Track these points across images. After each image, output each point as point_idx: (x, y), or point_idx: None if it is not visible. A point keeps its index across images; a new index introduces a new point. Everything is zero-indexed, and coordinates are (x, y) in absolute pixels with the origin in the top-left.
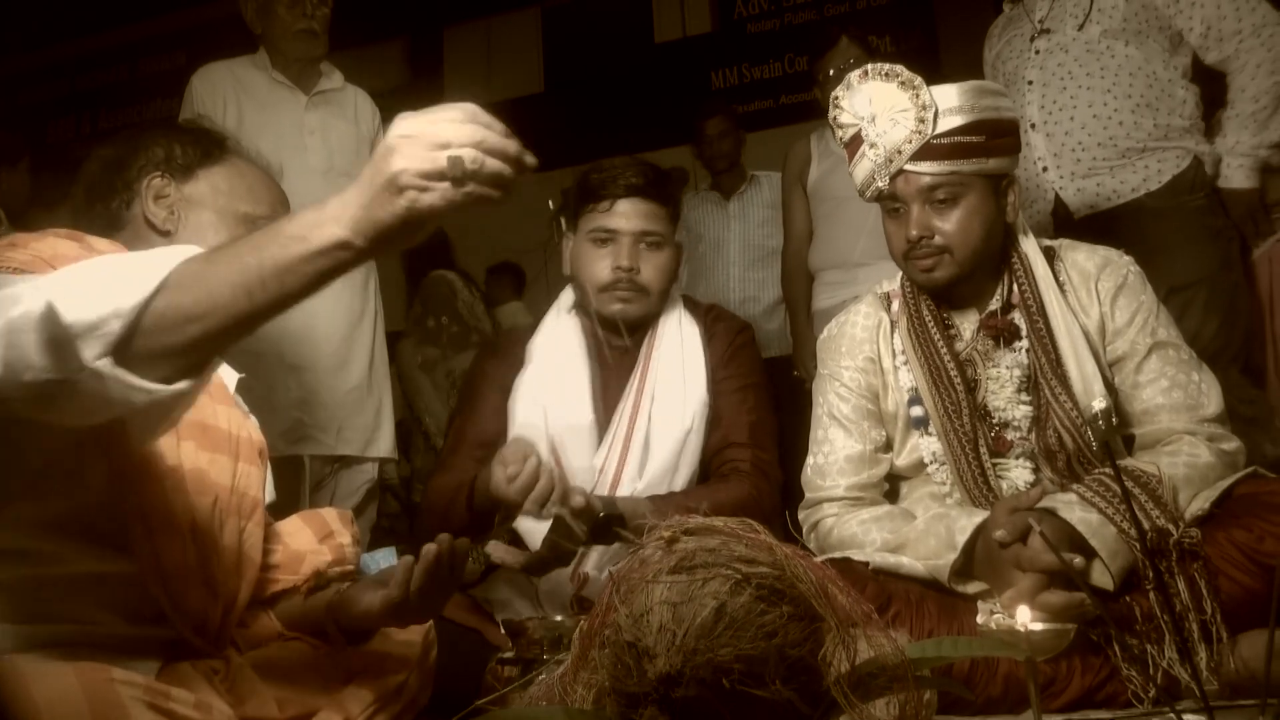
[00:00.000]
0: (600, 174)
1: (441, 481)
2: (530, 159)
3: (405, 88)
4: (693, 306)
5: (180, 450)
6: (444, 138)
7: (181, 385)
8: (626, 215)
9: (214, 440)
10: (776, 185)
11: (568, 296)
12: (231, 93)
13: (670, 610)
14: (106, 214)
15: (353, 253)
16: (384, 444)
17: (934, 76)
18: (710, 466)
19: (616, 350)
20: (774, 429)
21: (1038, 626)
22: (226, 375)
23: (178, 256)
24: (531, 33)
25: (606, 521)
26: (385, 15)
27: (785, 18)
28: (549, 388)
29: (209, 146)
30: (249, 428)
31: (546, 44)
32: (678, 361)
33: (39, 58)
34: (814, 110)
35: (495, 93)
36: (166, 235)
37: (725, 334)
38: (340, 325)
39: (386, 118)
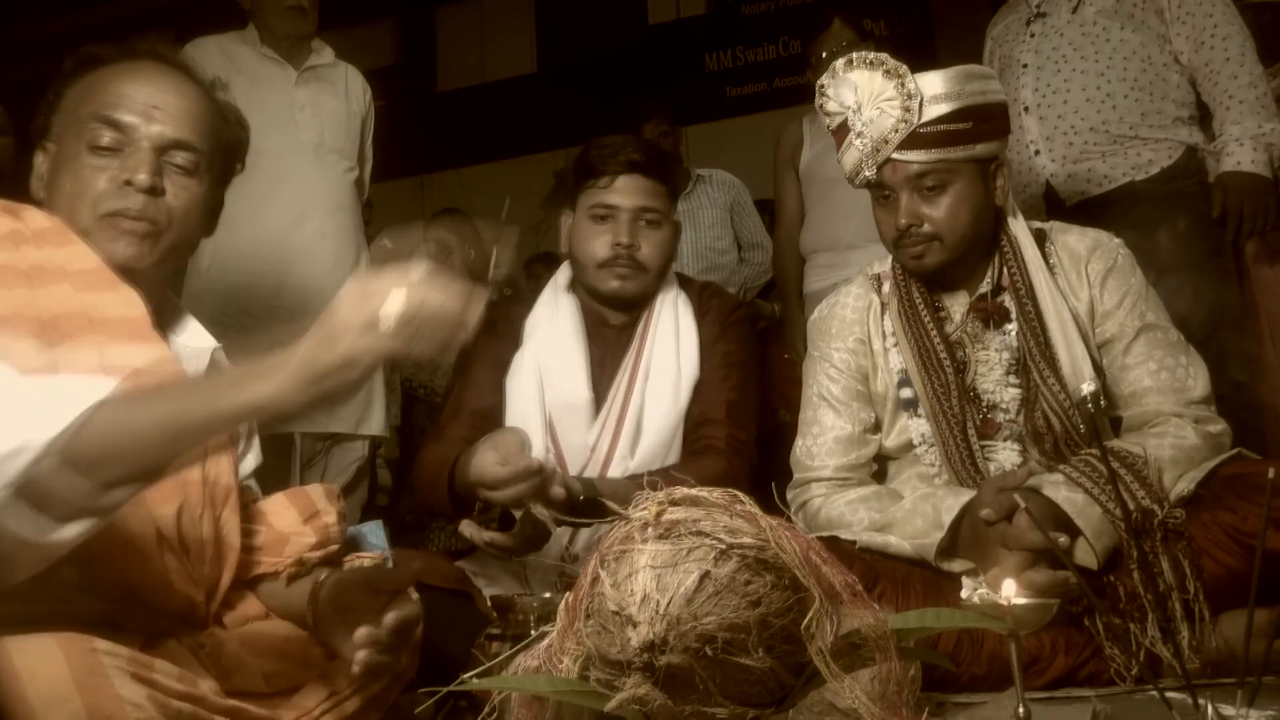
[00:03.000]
0: (600, 150)
1: (433, 453)
2: (475, 307)
3: (397, 67)
4: (688, 284)
5: None
6: (384, 289)
7: (72, 530)
8: (625, 191)
9: None
10: (724, 184)
11: (564, 274)
12: (221, 69)
13: (654, 579)
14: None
15: (279, 410)
16: (375, 422)
17: (928, 60)
18: (685, 441)
19: (612, 328)
20: (754, 409)
21: (1021, 601)
22: (198, 350)
23: (96, 391)
24: (524, 12)
25: (586, 504)
26: None
27: (780, 0)
28: (546, 365)
29: (58, 86)
30: None
31: (539, 24)
32: (672, 340)
33: (27, 33)
34: (808, 93)
35: (487, 73)
36: (41, 205)
37: (718, 310)
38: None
39: (380, 97)
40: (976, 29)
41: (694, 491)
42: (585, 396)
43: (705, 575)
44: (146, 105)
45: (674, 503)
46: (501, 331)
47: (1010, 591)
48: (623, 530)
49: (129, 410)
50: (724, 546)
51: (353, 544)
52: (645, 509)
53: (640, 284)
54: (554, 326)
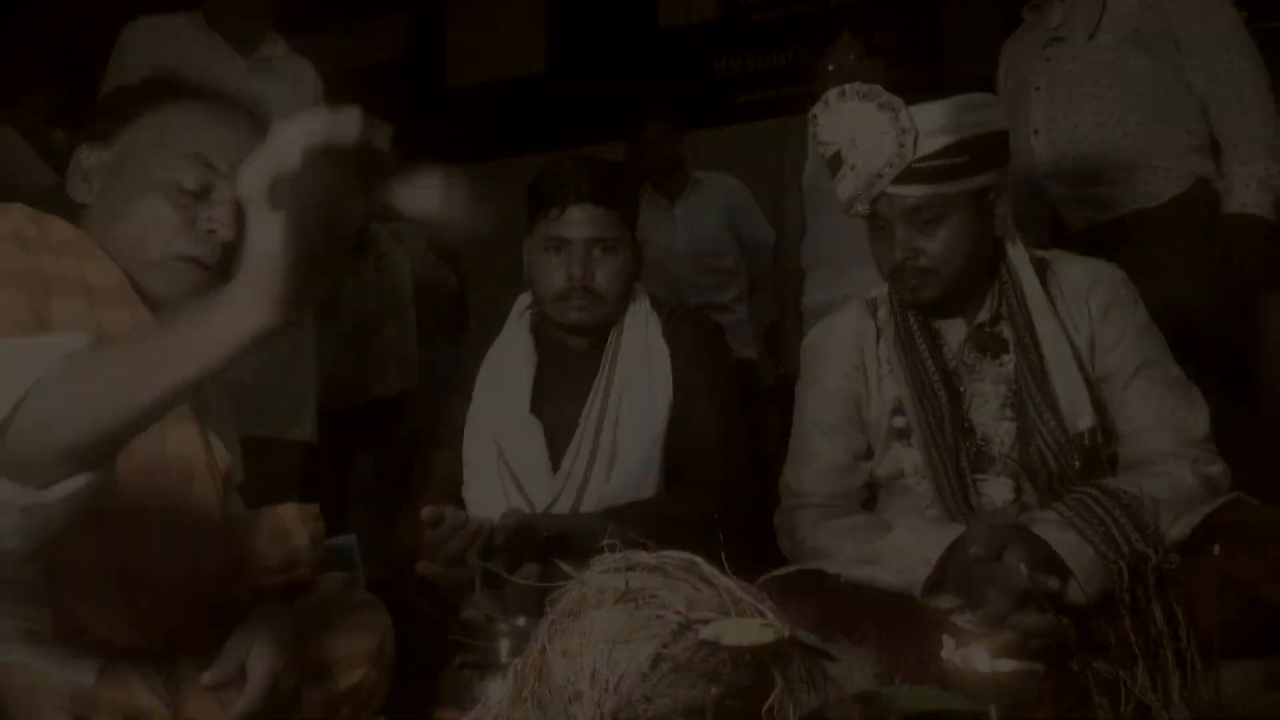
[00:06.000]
0: (549, 179)
1: (401, 531)
2: (382, 138)
3: (406, 62)
4: (658, 304)
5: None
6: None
7: (64, 488)
8: (577, 223)
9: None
10: (723, 189)
11: (524, 301)
12: (166, 53)
13: (606, 653)
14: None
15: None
16: (306, 427)
17: (938, 73)
18: (679, 475)
19: (576, 354)
20: (743, 433)
21: (1003, 667)
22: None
23: (55, 351)
24: (535, 11)
25: (549, 542)
26: None
27: (790, 7)
28: (498, 402)
29: (136, 100)
30: (210, 450)
31: (550, 23)
32: (643, 362)
33: None
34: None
35: (497, 70)
36: (85, 209)
37: (692, 333)
38: None
39: (388, 92)
40: (987, 41)
41: (652, 557)
42: (536, 428)
43: (660, 652)
44: (237, 162)
45: (630, 568)
46: (457, 386)
47: (985, 662)
48: (576, 593)
49: (96, 364)
50: (683, 621)
51: (328, 562)
52: (602, 573)
53: (599, 314)
54: (502, 362)
